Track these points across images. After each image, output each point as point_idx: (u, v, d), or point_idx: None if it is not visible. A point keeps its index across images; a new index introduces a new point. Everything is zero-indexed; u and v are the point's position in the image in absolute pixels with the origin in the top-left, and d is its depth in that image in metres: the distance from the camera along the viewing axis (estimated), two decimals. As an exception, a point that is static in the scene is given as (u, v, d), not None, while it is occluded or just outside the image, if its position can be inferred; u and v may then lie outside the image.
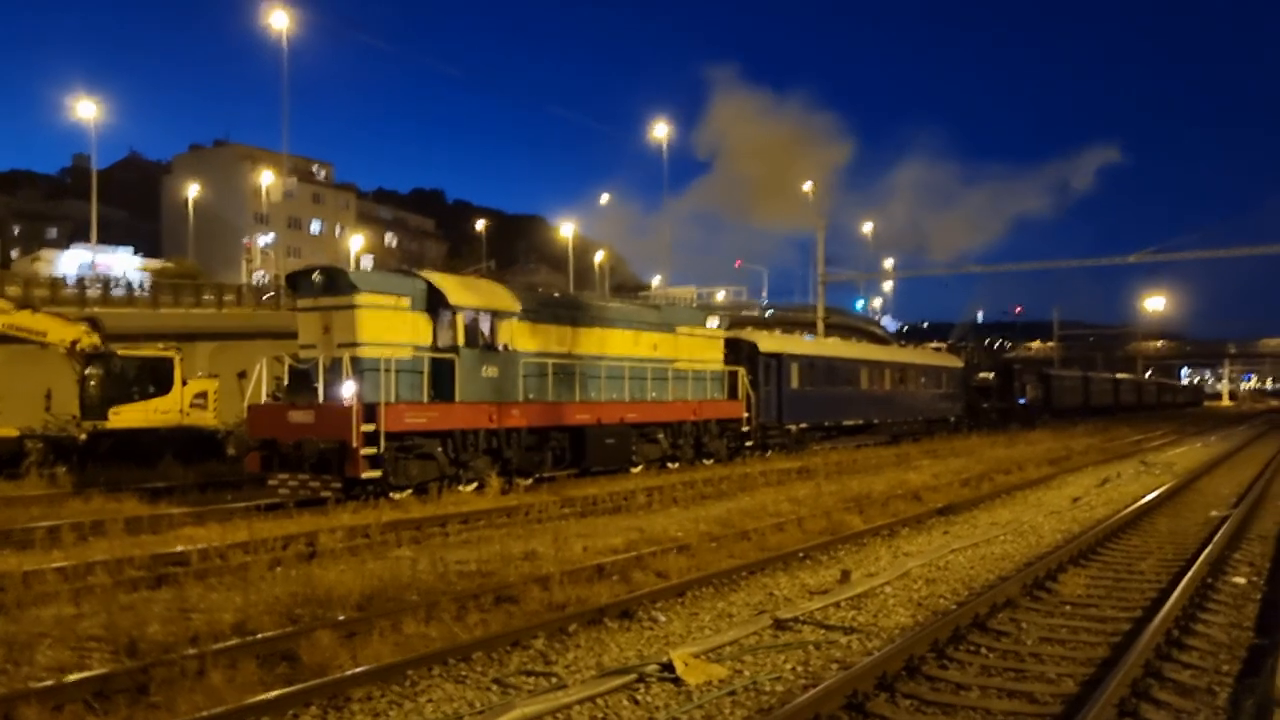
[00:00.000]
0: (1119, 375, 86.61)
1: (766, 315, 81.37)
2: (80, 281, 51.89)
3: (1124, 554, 12.92)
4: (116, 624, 8.49)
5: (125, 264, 75.17)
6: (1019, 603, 9.89)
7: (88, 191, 62.24)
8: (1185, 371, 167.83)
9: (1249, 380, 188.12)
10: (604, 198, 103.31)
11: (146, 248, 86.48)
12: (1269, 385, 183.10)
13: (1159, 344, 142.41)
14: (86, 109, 59.98)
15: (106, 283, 52.79)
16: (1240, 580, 10.99)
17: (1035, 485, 21.75)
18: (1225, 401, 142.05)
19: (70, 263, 72.28)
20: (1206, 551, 11.94)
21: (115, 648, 8.05)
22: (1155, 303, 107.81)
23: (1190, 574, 10.53)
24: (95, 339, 23.69)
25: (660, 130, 71.62)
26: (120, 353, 24.06)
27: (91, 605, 9.46)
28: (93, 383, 23.58)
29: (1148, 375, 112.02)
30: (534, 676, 7.48)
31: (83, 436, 23.00)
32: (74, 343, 23.50)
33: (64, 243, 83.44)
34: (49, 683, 6.96)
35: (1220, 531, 13.66)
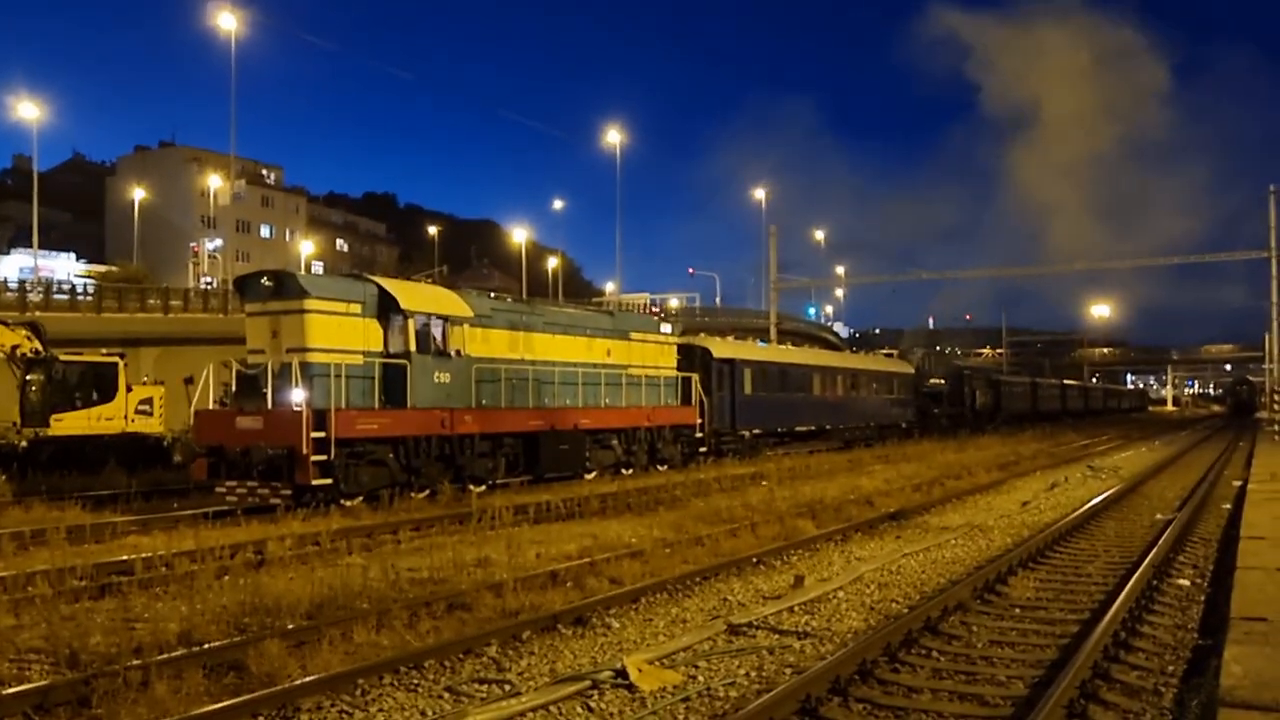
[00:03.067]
0: (1066, 381, 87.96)
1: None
2: (21, 285, 50.91)
3: (1072, 557, 13.09)
4: (57, 635, 8.30)
5: (67, 269, 73.83)
6: (970, 606, 9.97)
7: (29, 193, 61.05)
8: (1130, 377, 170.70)
9: (1192, 386, 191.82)
10: (557, 204, 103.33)
11: (90, 251, 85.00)
12: (1211, 390, 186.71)
13: (1104, 350, 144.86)
14: (28, 109, 58.90)
15: (48, 286, 51.83)
16: (1185, 582, 11.17)
17: (985, 490, 21.99)
18: (1169, 407, 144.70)
19: (11, 266, 70.89)
20: (1152, 554, 12.13)
21: (56, 659, 7.87)
22: (1101, 310, 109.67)
23: (1136, 576, 10.68)
24: (36, 344, 23.21)
25: (613, 136, 71.87)
26: (62, 358, 23.58)
27: (32, 616, 9.24)
28: (34, 389, 23.10)
29: (1094, 381, 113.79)
30: (487, 684, 7.41)
31: (23, 444, 22.52)
32: (14, 348, 23.01)
33: (4, 246, 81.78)
34: (-14, 696, 6.78)
35: (1165, 534, 13.88)
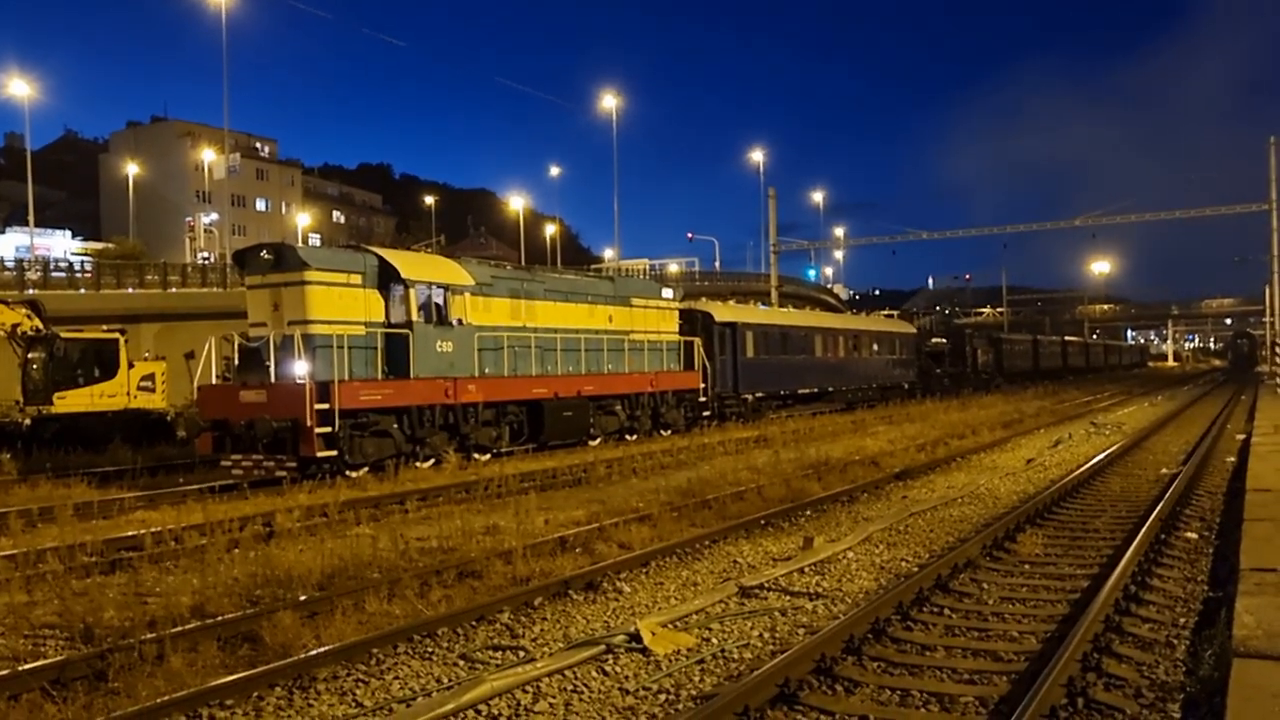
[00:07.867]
0: (1067, 338, 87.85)
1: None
2: (19, 264, 50.76)
3: (1079, 513, 13.12)
4: (71, 610, 8.32)
5: (63, 247, 73.61)
6: (979, 564, 10.00)
7: (22, 172, 60.76)
8: (1131, 333, 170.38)
9: (1192, 341, 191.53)
10: (554, 170, 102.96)
11: (86, 228, 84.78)
12: (1212, 345, 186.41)
13: (1105, 307, 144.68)
14: (19, 87, 58.51)
15: (46, 265, 51.72)
16: (1192, 535, 11.19)
17: (989, 448, 22.02)
18: (1170, 362, 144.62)
19: (7, 245, 70.70)
20: (1159, 508, 12.15)
21: (71, 634, 7.89)
22: (1100, 266, 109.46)
23: (1144, 531, 10.70)
24: (36, 322, 23.17)
25: (609, 101, 71.32)
26: (63, 335, 23.54)
27: (44, 592, 9.26)
28: (35, 367, 23.08)
29: (1094, 337, 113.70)
30: (501, 651, 7.43)
31: (27, 422, 22.52)
32: (14, 326, 22.97)
33: None
34: (4, 672, 6.78)
35: (1171, 488, 13.90)
